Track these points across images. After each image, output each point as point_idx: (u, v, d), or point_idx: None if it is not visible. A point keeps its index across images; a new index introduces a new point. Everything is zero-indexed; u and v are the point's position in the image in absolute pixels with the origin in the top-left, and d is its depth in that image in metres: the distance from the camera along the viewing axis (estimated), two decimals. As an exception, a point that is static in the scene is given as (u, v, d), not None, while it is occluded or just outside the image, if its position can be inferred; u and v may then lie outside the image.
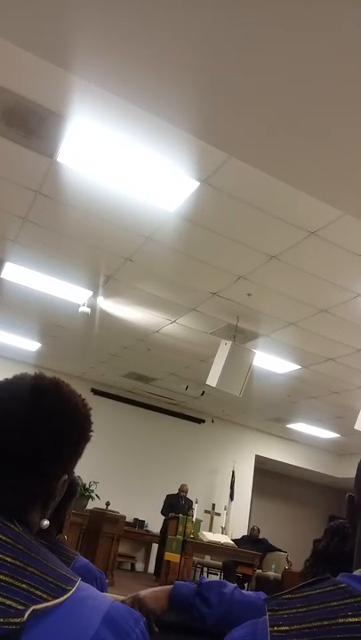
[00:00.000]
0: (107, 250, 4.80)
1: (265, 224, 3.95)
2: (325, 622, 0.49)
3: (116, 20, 2.08)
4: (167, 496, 8.48)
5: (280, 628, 0.50)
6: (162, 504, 8.45)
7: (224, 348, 5.64)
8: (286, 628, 0.50)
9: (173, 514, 7.51)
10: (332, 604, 0.51)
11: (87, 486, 7.17)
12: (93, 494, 7.25)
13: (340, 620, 0.48)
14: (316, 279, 4.61)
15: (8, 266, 5.41)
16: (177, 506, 8.14)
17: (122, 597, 1.08)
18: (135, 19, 2.07)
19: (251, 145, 2.71)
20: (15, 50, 2.52)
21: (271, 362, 6.74)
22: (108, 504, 6.91)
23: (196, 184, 3.60)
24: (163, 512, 8.29)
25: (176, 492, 8.57)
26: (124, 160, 3.49)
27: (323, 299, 4.95)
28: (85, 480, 7.02)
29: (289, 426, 9.80)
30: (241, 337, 5.93)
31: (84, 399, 0.76)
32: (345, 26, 1.94)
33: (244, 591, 1.12)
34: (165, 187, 3.71)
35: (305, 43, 2.04)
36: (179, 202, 3.84)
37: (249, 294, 5.13)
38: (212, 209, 3.90)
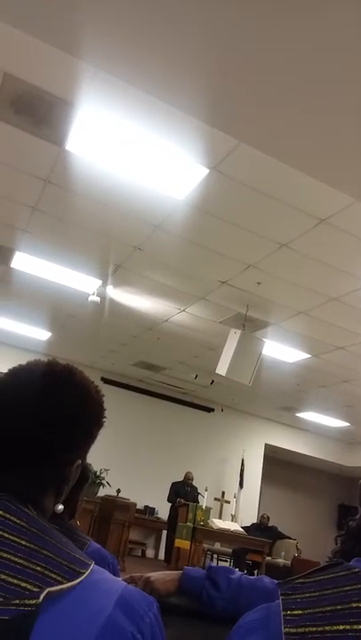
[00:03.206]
0: (116, 239, 4.80)
1: (275, 211, 3.91)
2: (339, 607, 0.49)
3: (125, 5, 2.06)
4: (172, 484, 8.55)
5: (293, 612, 0.51)
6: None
7: (233, 337, 5.63)
8: (300, 612, 0.50)
9: (182, 501, 7.58)
10: (346, 588, 0.51)
11: (98, 474, 7.24)
12: (104, 482, 7.32)
13: (354, 605, 0.48)
14: (327, 267, 4.58)
15: (18, 255, 5.43)
16: (182, 493, 8.21)
17: (135, 574, 1.10)
18: (144, 4, 2.04)
19: (261, 131, 2.68)
20: (23, 37, 2.51)
21: (281, 351, 6.72)
22: (118, 491, 6.98)
23: (206, 171, 3.57)
24: (169, 499, 8.37)
25: (182, 479, 8.65)
26: (133, 148, 3.47)
27: (333, 287, 4.92)
28: (96, 467, 7.08)
29: (298, 415, 9.80)
30: (250, 326, 5.91)
31: (96, 385, 0.76)
32: None
33: (249, 576, 1.13)
34: (175, 174, 3.69)
35: (319, 25, 2.01)
36: (188, 189, 3.82)
37: (259, 283, 5.10)
38: (221, 196, 3.87)
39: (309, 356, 6.81)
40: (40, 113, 3.32)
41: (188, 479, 8.61)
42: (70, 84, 3.04)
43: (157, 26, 2.14)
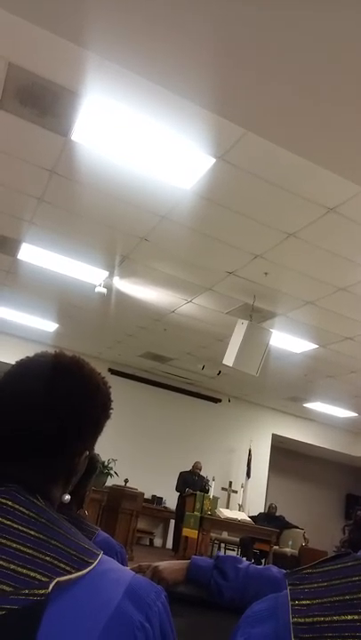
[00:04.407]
0: (122, 230, 4.79)
1: (283, 201, 3.88)
2: (347, 597, 0.49)
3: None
4: (180, 473, 8.60)
5: (302, 602, 0.51)
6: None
7: (241, 328, 5.62)
8: (308, 602, 0.50)
9: (191, 490, 7.62)
10: (354, 578, 0.51)
11: (106, 464, 7.29)
12: (112, 472, 7.37)
13: None
14: (335, 257, 4.54)
15: (25, 247, 5.44)
16: (190, 483, 8.26)
17: (143, 564, 1.11)
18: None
19: (268, 119, 2.65)
20: (28, 26, 2.49)
21: (288, 341, 6.71)
22: (126, 481, 7.03)
23: (213, 161, 3.55)
24: (177, 489, 8.43)
25: (191, 469, 8.69)
26: (139, 138, 3.44)
27: (341, 277, 4.89)
28: (104, 458, 7.13)
29: (306, 405, 9.80)
30: (258, 316, 5.90)
31: (103, 377, 0.76)
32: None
33: (257, 566, 1.13)
34: (181, 164, 3.66)
35: (328, 12, 1.97)
36: (195, 179, 3.80)
37: (266, 273, 5.08)
38: (228, 186, 3.85)
39: (317, 346, 6.79)
40: (45, 103, 3.31)
41: (196, 469, 8.66)
42: (75, 74, 3.02)
43: (163, 14, 2.12)
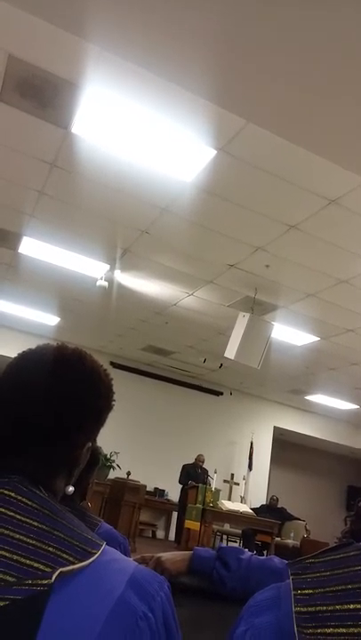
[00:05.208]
0: (123, 223, 4.78)
1: (284, 193, 3.86)
2: (350, 586, 0.49)
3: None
4: (183, 466, 8.63)
5: (304, 592, 0.51)
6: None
7: (242, 321, 5.62)
8: (310, 591, 0.51)
9: (193, 483, 7.66)
10: (356, 568, 0.51)
11: (108, 456, 7.32)
12: (115, 464, 7.40)
13: None
14: (337, 249, 4.53)
15: (26, 240, 5.43)
16: (193, 475, 8.29)
17: (146, 555, 1.12)
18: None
19: (269, 110, 2.63)
20: (27, 18, 2.47)
21: (290, 334, 6.70)
22: (128, 474, 7.06)
23: (213, 152, 3.53)
24: (180, 481, 8.47)
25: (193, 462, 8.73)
26: (140, 129, 3.43)
27: (343, 269, 4.88)
28: (106, 450, 7.16)
29: (307, 397, 9.81)
30: (259, 309, 5.89)
31: (105, 369, 0.76)
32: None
33: (259, 557, 1.14)
34: (182, 156, 3.65)
35: (329, 4, 1.96)
36: (195, 171, 3.78)
37: (267, 265, 5.07)
38: (229, 178, 3.83)
39: (318, 338, 6.79)
40: (45, 95, 3.29)
41: (199, 461, 8.69)
42: (75, 66, 3.00)
43: (163, 4, 2.10)
